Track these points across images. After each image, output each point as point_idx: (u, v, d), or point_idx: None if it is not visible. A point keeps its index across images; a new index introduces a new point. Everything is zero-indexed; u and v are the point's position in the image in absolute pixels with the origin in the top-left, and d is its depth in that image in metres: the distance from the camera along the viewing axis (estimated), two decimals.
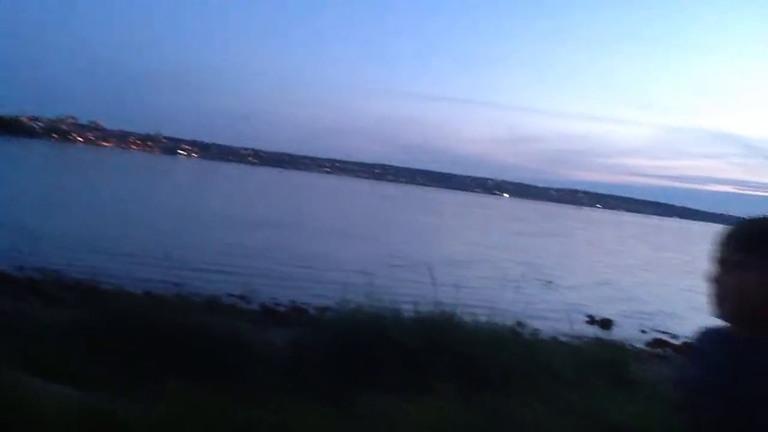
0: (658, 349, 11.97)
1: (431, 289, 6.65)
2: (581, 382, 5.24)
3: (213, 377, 4.58)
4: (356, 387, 4.77)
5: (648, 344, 12.11)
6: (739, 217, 1.58)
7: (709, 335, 1.55)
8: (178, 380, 4.28)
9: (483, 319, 6.45)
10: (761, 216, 1.53)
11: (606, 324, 13.93)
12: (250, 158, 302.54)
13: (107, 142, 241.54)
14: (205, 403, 3.85)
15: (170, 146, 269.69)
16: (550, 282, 8.32)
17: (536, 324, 10.15)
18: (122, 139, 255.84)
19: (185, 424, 3.62)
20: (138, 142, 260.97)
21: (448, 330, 5.90)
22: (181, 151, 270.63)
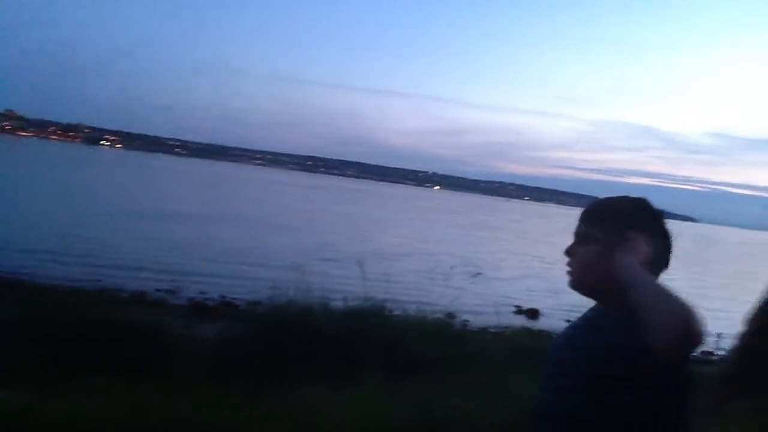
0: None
1: (361, 281, 6.65)
2: (508, 368, 5.36)
3: (138, 372, 4.47)
4: (286, 380, 4.75)
5: None
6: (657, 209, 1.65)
7: (590, 310, 1.61)
8: (102, 376, 4.18)
9: (413, 310, 6.51)
10: (613, 195, 1.63)
11: (533, 314, 14.31)
12: (177, 149, 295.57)
13: (25, 132, 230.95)
14: (129, 398, 3.76)
15: (93, 136, 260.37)
16: (480, 274, 8.46)
17: (466, 315, 10.31)
18: (41, 128, 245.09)
19: (109, 420, 3.54)
20: (59, 132, 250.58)
21: (378, 322, 5.93)
22: (104, 142, 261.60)
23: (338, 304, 6.38)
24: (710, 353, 11.22)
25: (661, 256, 1.54)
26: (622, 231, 1.53)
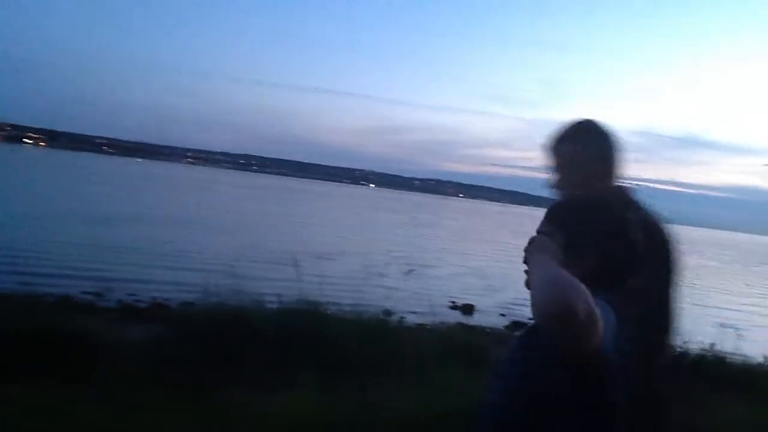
0: (516, 331, 12.58)
1: (296, 281, 6.59)
2: (443, 364, 5.40)
3: (63, 378, 4.29)
4: (218, 382, 4.66)
5: (506, 327, 12.67)
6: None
7: None
8: (23, 383, 4.01)
9: (348, 309, 6.48)
10: (574, 195, 1.67)
11: (468, 309, 14.47)
12: (104, 147, 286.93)
13: None
14: (51, 405, 3.61)
15: (14, 135, 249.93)
16: (414, 270, 8.50)
17: (402, 312, 10.34)
18: None
19: (30, 428, 3.39)
20: None
21: (312, 321, 5.88)
22: (26, 140, 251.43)
23: (272, 304, 6.29)
24: None
25: (607, 256, 1.56)
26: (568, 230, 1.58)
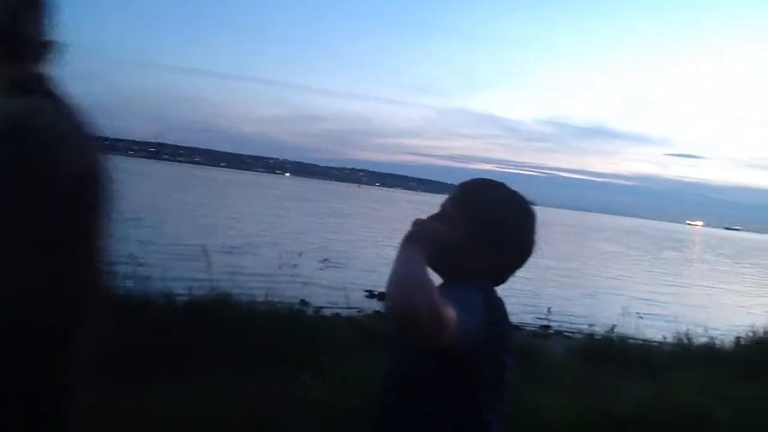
0: None
1: (207, 272, 6.43)
2: (359, 352, 5.40)
3: None
4: (124, 378, 4.48)
5: None
6: (527, 200, 1.70)
7: None
8: None
9: (262, 300, 6.39)
10: (484, 178, 1.69)
11: (384, 298, 14.56)
12: None
13: None
14: None
15: None
16: (327, 260, 8.47)
17: (319, 302, 10.30)
18: None
19: None
20: None
21: (223, 313, 5.75)
22: None
23: (181, 296, 6.12)
24: (547, 327, 12.02)
25: (486, 249, 1.57)
26: (459, 212, 1.59)
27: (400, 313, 1.22)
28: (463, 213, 1.59)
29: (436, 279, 1.58)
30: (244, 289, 6.71)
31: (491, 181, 1.68)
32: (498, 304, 1.56)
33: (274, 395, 4.23)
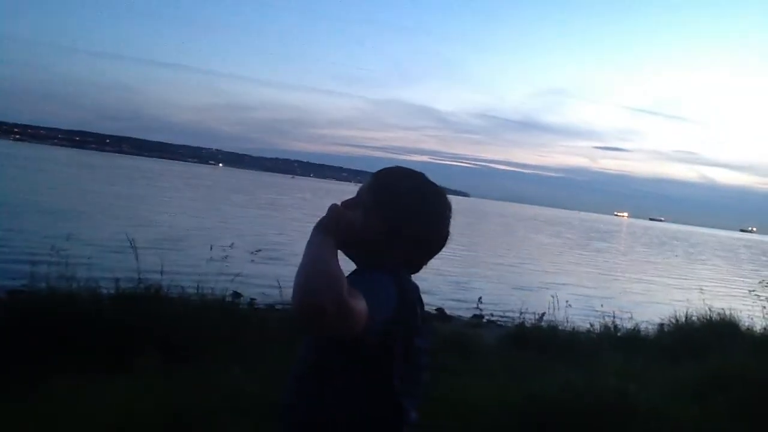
0: None
1: (135, 266, 6.25)
2: (292, 345, 5.36)
3: None
4: (50, 371, 4.34)
5: None
6: (441, 189, 1.72)
7: None
8: None
9: (192, 292, 6.27)
10: (401, 167, 1.70)
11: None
12: None
13: None
14: None
15: None
16: (260, 251, 8.36)
17: (252, 294, 10.17)
18: None
19: None
20: None
21: (153, 305, 5.62)
22: None
23: (108, 289, 5.94)
24: (480, 316, 12.23)
25: (400, 237, 1.58)
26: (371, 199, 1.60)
27: (306, 305, 1.20)
28: (378, 201, 1.60)
29: (350, 265, 1.59)
30: (174, 281, 6.57)
31: (406, 169, 1.69)
32: (411, 290, 1.57)
33: (203, 388, 4.17)
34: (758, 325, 8.95)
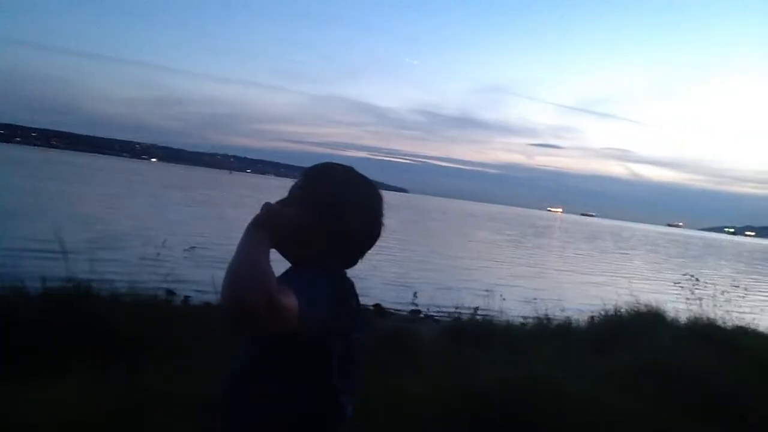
0: None
1: (65, 265, 6.04)
2: (229, 343, 5.28)
3: None
4: None
5: None
6: (373, 183, 1.73)
7: None
8: None
9: (125, 290, 6.11)
10: (334, 163, 1.71)
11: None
12: None
13: None
14: None
15: None
16: (195, 248, 8.19)
17: (187, 292, 9.97)
18: None
19: None
20: None
21: (83, 304, 5.44)
22: None
23: (37, 288, 5.73)
24: (417, 311, 12.34)
25: (333, 231, 1.59)
26: (304, 195, 1.61)
27: (235, 304, 1.20)
28: (310, 197, 1.60)
29: (285, 264, 1.59)
30: (105, 280, 6.38)
31: (338, 165, 1.70)
32: (346, 286, 1.59)
33: (136, 388, 4.07)
34: (683, 316, 9.32)
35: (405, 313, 12.50)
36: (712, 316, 9.02)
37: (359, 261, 1.69)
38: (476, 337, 7.34)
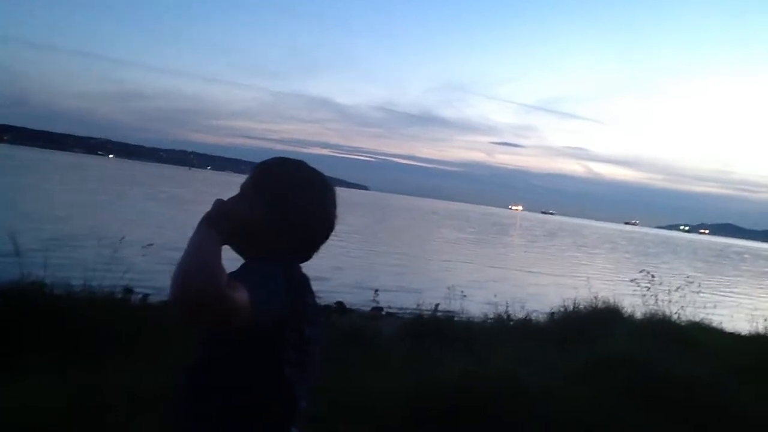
0: None
1: (18, 263, 5.89)
2: (187, 341, 5.22)
3: None
4: None
5: None
6: (325, 177, 1.72)
7: None
8: None
9: (81, 288, 5.99)
10: (285, 157, 1.72)
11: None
12: None
13: None
14: None
15: None
16: (152, 245, 8.03)
17: (146, 289, 9.80)
18: None
19: None
20: None
21: (38, 304, 5.32)
22: None
23: None
24: (379, 309, 12.34)
25: (285, 224, 1.59)
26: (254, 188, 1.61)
27: (184, 298, 1.20)
28: (260, 191, 1.60)
29: (237, 259, 1.58)
30: (61, 278, 6.23)
31: (288, 159, 1.70)
32: (301, 281, 1.60)
33: (95, 385, 4.01)
34: (639, 312, 9.52)
35: (367, 310, 12.49)
36: (667, 312, 9.23)
37: (314, 254, 1.69)
38: (437, 333, 7.37)
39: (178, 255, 1.29)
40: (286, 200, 1.60)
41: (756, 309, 13.02)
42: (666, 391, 5.36)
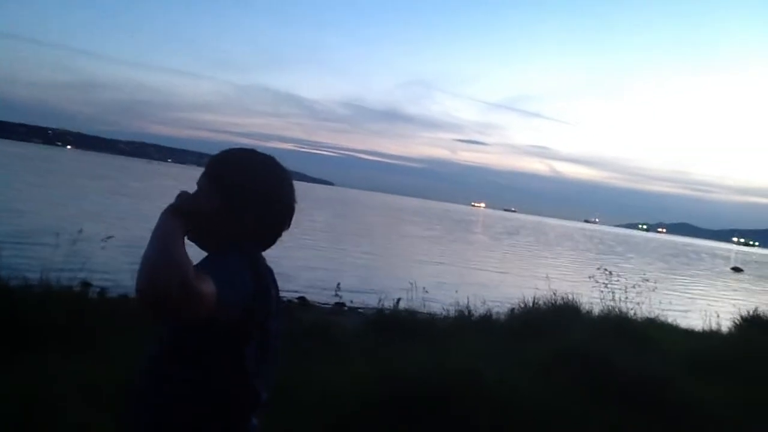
0: None
1: None
2: (143, 333, 5.18)
3: None
4: None
5: None
6: (279, 162, 1.72)
7: None
8: None
9: (36, 281, 5.88)
10: (240, 148, 1.72)
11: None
12: None
13: None
14: None
15: None
16: (112, 237, 7.86)
17: (103, 283, 9.66)
18: None
19: None
20: None
21: None
22: None
23: None
24: (341, 304, 12.35)
25: (244, 212, 1.60)
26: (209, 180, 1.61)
27: (149, 290, 1.20)
28: (216, 182, 1.61)
29: (200, 252, 1.58)
30: (16, 271, 6.11)
31: (241, 149, 1.70)
32: (264, 272, 1.60)
33: (50, 378, 3.95)
34: (596, 308, 9.71)
35: (329, 306, 12.50)
36: (623, 308, 9.43)
37: (275, 242, 1.70)
38: (399, 328, 7.42)
39: (137, 248, 1.29)
40: (245, 188, 1.60)
41: (710, 306, 13.37)
42: (620, 385, 5.48)
